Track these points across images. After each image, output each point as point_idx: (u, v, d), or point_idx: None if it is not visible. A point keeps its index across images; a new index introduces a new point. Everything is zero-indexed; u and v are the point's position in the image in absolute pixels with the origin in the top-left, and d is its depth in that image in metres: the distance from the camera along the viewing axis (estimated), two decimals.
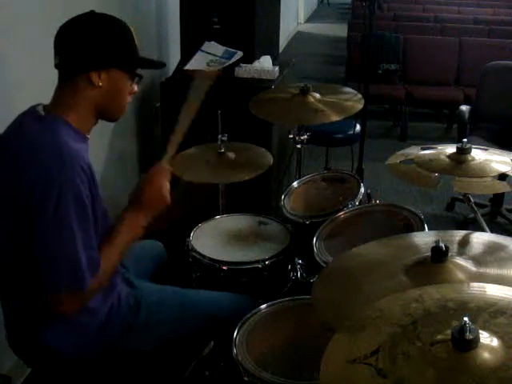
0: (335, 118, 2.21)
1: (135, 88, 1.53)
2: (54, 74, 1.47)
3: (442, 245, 1.29)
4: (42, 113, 1.43)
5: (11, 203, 1.37)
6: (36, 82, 2.04)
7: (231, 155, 2.21)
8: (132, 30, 1.48)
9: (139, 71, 1.52)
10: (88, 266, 1.37)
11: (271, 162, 2.21)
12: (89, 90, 1.43)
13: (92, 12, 1.44)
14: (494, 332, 0.93)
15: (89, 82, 1.42)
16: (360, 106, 2.31)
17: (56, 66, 1.44)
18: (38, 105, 1.46)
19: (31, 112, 1.45)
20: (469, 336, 0.89)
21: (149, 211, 1.53)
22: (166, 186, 1.56)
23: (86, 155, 1.42)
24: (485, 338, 0.91)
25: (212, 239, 2.06)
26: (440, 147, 1.83)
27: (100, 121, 1.53)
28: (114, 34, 1.44)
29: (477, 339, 0.90)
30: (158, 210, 1.55)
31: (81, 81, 1.42)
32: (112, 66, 1.43)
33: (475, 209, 1.84)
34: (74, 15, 1.44)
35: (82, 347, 1.52)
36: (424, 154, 1.81)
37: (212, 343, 1.76)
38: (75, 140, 1.41)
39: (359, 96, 2.38)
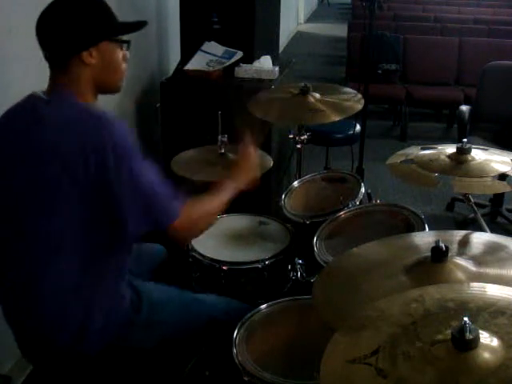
0: (335, 117, 2.21)
1: (127, 54, 1.54)
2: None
3: (442, 245, 1.29)
4: (44, 96, 1.44)
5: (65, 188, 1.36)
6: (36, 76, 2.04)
7: (231, 156, 2.21)
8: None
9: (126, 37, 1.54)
10: (171, 196, 1.43)
11: (271, 165, 2.21)
12: (84, 70, 1.44)
13: None
14: (493, 332, 0.93)
15: (82, 63, 1.43)
16: (360, 106, 2.31)
17: (46, 58, 1.46)
18: (33, 93, 1.46)
19: (34, 100, 1.45)
20: (469, 336, 0.89)
21: (244, 181, 1.72)
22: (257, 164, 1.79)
23: None
24: (485, 338, 0.91)
25: (212, 239, 2.06)
26: (440, 147, 1.83)
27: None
28: (91, 9, 1.44)
29: (477, 339, 0.90)
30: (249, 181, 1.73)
31: (74, 64, 1.43)
32: (99, 41, 1.44)
33: (475, 209, 1.84)
34: None
35: (84, 343, 1.50)
36: (424, 154, 1.81)
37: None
38: None
39: (359, 96, 2.38)
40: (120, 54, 1.51)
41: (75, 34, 1.42)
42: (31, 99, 1.46)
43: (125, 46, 1.53)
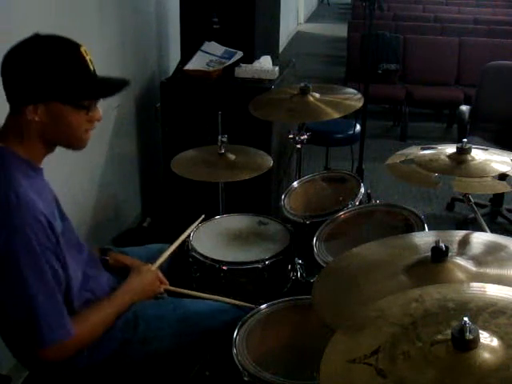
0: (335, 115, 2.23)
1: (97, 114, 1.39)
2: None
3: (442, 245, 1.29)
4: None
5: None
6: None
7: (231, 156, 2.22)
8: (83, 49, 1.34)
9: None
10: (48, 319, 1.30)
11: (271, 165, 2.21)
12: (30, 124, 1.32)
13: (36, 36, 1.31)
14: (493, 332, 0.93)
15: (28, 116, 1.31)
16: (360, 104, 2.32)
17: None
18: None
19: None
20: (469, 336, 0.89)
21: (139, 297, 1.60)
22: (157, 283, 1.66)
23: (40, 203, 1.31)
24: (485, 338, 0.91)
25: (212, 239, 2.06)
26: (440, 147, 1.83)
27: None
28: (53, 62, 1.30)
29: (477, 339, 0.90)
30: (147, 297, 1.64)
31: (24, 114, 1.31)
32: (49, 99, 1.31)
33: (475, 209, 1.84)
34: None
35: (77, 360, 1.46)
36: (424, 154, 1.81)
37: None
38: (27, 175, 1.33)
39: (359, 95, 2.39)
40: (79, 117, 1.35)
41: (25, 82, 1.29)
42: None
43: (91, 107, 1.36)
